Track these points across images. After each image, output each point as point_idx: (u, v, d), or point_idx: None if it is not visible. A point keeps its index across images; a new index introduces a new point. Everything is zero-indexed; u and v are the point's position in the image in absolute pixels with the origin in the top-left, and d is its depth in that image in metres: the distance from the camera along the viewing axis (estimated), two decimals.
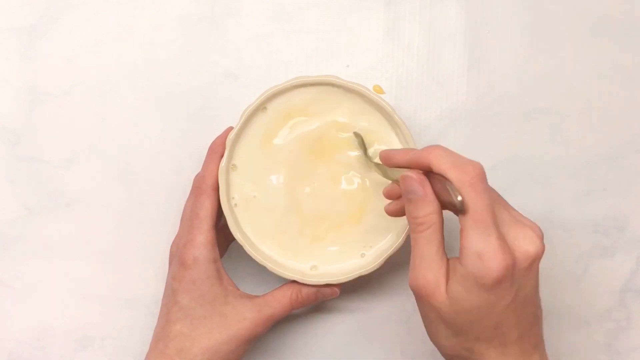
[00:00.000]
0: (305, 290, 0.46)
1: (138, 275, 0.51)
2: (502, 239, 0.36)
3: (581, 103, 0.51)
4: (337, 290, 0.47)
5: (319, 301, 0.48)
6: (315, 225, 0.47)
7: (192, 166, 0.50)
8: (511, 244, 0.37)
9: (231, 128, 0.46)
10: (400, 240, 0.45)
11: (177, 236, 0.47)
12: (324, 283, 0.46)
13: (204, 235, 0.44)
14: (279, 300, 0.45)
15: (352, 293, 0.51)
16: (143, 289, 0.51)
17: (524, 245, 0.37)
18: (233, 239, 0.46)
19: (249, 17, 0.51)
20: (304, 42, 0.51)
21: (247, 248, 0.45)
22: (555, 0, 0.51)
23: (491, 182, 0.50)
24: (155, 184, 0.51)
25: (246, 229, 0.46)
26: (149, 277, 0.51)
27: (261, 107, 0.46)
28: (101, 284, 0.51)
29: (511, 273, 0.36)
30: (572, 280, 0.51)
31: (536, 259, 0.38)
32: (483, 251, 0.36)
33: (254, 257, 0.46)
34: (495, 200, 0.39)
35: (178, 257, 0.45)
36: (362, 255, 0.47)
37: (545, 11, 0.51)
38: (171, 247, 0.47)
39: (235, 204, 0.46)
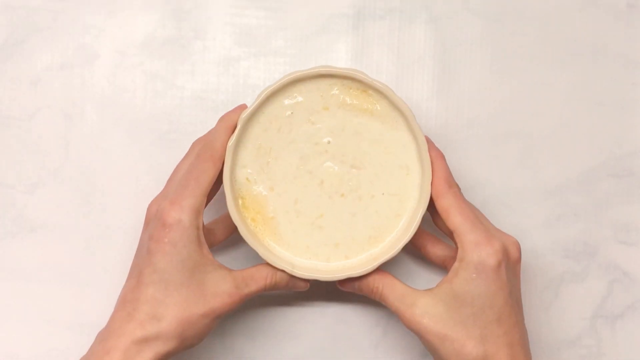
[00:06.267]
0: (279, 275, 0.44)
1: (104, 300, 0.50)
2: (490, 232, 0.42)
3: (551, 127, 0.51)
4: (307, 284, 0.46)
5: (288, 289, 0.46)
6: (317, 222, 0.46)
7: (158, 190, 0.49)
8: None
9: (244, 106, 0.45)
10: (395, 250, 0.44)
11: (160, 195, 0.44)
12: (313, 279, 0.45)
13: (195, 199, 0.41)
14: (257, 281, 0.44)
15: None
16: (109, 314, 0.50)
17: (509, 245, 0.42)
18: (230, 232, 0.47)
19: (216, 40, 0.50)
20: (271, 65, 0.51)
21: (242, 229, 0.44)
22: (524, 24, 0.51)
23: None
24: (121, 208, 0.50)
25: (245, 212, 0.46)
26: (115, 302, 0.50)
27: (280, 91, 0.44)
28: (67, 310, 0.50)
29: (505, 259, 0.41)
30: (543, 305, 0.51)
31: (518, 261, 0.43)
32: (479, 240, 0.41)
33: (246, 240, 0.44)
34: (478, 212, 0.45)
35: (160, 217, 0.41)
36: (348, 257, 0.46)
37: (514, 34, 0.51)
38: (150, 205, 0.44)
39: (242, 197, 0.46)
